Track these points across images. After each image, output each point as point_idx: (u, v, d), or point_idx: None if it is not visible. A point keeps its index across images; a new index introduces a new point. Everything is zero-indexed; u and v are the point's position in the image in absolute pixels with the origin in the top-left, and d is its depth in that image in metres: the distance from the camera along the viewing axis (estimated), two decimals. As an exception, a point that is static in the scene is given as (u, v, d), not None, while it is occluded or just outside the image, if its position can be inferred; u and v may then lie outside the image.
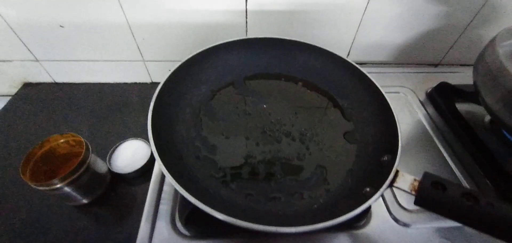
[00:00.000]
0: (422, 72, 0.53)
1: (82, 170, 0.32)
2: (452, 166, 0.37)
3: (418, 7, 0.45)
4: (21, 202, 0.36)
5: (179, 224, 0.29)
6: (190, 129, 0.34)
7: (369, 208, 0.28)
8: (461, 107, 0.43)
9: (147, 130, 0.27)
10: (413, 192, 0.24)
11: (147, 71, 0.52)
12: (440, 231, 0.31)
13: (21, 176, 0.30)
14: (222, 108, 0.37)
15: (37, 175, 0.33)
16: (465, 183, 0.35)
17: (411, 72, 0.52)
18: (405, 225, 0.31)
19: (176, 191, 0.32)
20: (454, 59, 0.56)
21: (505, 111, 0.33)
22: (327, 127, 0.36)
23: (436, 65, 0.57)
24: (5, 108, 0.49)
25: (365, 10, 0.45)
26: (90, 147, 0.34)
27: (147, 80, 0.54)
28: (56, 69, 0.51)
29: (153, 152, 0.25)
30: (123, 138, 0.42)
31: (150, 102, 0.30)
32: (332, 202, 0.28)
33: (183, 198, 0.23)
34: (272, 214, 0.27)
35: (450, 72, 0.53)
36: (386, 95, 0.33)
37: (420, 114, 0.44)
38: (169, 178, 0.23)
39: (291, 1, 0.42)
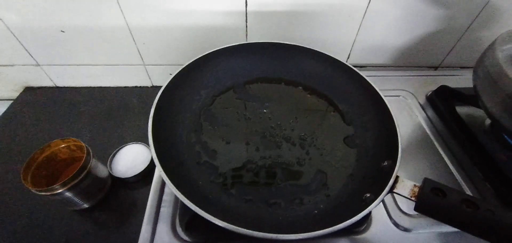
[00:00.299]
0: (422, 75, 0.53)
1: (83, 175, 0.33)
2: (452, 170, 0.37)
3: (418, 9, 0.46)
4: (22, 207, 0.36)
5: (179, 230, 0.29)
6: (191, 134, 0.34)
7: (369, 213, 0.28)
8: (461, 110, 0.43)
9: (147, 134, 0.28)
10: (413, 198, 0.24)
11: (148, 74, 0.52)
12: (441, 236, 0.31)
13: (23, 181, 0.30)
14: (222, 113, 0.37)
15: (38, 180, 0.33)
16: (465, 187, 0.35)
17: (411, 75, 0.52)
18: (406, 230, 0.31)
19: (176, 195, 0.32)
20: (454, 62, 0.56)
21: (505, 115, 0.33)
22: (327, 132, 0.36)
23: (436, 68, 0.57)
24: (6, 112, 0.49)
25: (365, 13, 0.45)
26: (91, 152, 0.34)
27: (147, 83, 0.54)
28: (57, 73, 0.51)
29: (154, 159, 0.25)
30: (123, 142, 0.42)
31: (150, 105, 0.30)
32: (332, 207, 0.28)
33: (183, 203, 0.24)
34: (273, 220, 0.28)
35: (450, 75, 0.53)
36: (386, 100, 0.33)
37: (420, 118, 0.44)
38: (169, 185, 0.23)
39: (291, 2, 0.42)
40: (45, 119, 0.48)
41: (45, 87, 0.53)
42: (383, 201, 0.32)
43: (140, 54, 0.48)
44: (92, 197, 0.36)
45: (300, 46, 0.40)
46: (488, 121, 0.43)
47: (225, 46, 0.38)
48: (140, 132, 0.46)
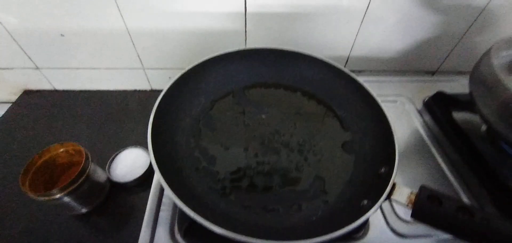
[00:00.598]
0: (419, 81, 0.53)
1: (81, 179, 0.33)
2: (449, 176, 0.38)
3: (415, 15, 0.46)
4: (20, 211, 0.36)
5: (178, 236, 0.29)
6: (190, 140, 0.34)
7: (367, 219, 0.28)
8: (458, 115, 0.44)
9: (146, 138, 0.28)
10: (410, 206, 0.25)
11: (147, 78, 0.52)
12: (439, 242, 0.31)
13: (21, 187, 0.30)
14: (221, 118, 0.37)
15: (36, 185, 0.33)
16: (462, 193, 0.36)
17: (408, 81, 0.52)
18: (403, 236, 0.31)
19: (176, 203, 0.32)
20: (450, 67, 0.57)
21: (500, 122, 0.34)
22: (326, 138, 0.37)
23: (433, 73, 0.58)
24: (5, 115, 0.49)
25: (363, 18, 0.45)
26: (89, 157, 0.34)
27: (146, 87, 0.54)
28: (56, 76, 0.51)
29: (153, 165, 0.25)
30: (122, 145, 0.42)
31: (149, 109, 0.30)
32: (330, 214, 0.29)
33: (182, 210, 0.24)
34: (271, 227, 0.28)
35: (447, 81, 0.54)
36: (383, 106, 0.34)
37: (417, 123, 0.45)
38: (169, 192, 0.24)
39: (290, 3, 0.43)
40: (44, 122, 0.48)
41: (44, 90, 0.53)
42: (380, 207, 0.32)
43: (139, 58, 0.48)
44: (91, 201, 0.36)
45: (298, 52, 0.40)
46: (484, 127, 0.44)
47: (225, 51, 0.39)
48: (138, 136, 0.46)
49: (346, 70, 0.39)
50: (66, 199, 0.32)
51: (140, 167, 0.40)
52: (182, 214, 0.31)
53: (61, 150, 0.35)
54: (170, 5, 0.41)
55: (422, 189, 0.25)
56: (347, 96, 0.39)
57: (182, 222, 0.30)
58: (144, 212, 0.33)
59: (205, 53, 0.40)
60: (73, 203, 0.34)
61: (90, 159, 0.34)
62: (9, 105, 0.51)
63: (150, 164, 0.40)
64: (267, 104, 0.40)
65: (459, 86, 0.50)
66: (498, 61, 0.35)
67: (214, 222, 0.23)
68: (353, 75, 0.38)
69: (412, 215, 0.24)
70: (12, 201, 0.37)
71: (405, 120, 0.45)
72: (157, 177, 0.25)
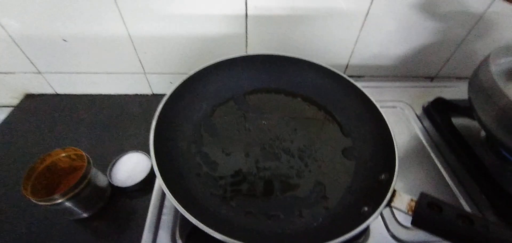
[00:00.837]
0: (419, 86, 0.54)
1: (83, 184, 0.33)
2: (449, 182, 0.38)
3: (415, 21, 0.47)
4: (22, 216, 0.36)
5: (180, 242, 0.29)
6: (191, 145, 0.34)
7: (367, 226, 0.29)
8: (457, 121, 0.44)
9: (147, 142, 0.28)
10: (410, 213, 0.25)
11: (148, 83, 0.53)
12: (438, 249, 0.31)
13: (23, 191, 0.31)
14: (222, 124, 0.37)
15: (38, 190, 0.33)
16: (462, 199, 0.36)
17: (407, 87, 0.53)
18: (404, 242, 0.31)
19: (178, 209, 0.32)
20: (450, 73, 0.57)
21: (499, 129, 0.34)
22: (326, 143, 0.37)
23: (432, 79, 0.58)
24: (7, 119, 0.49)
25: (363, 24, 0.46)
26: (91, 161, 0.34)
27: (148, 91, 0.54)
28: (58, 81, 0.51)
29: (155, 172, 0.26)
30: (123, 150, 0.42)
31: (150, 113, 0.30)
32: (331, 220, 0.29)
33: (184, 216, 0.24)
34: (272, 233, 0.28)
35: (446, 87, 0.54)
36: (383, 111, 0.34)
37: (416, 129, 0.45)
38: (171, 199, 0.24)
39: (290, 5, 0.43)
40: (46, 126, 0.48)
41: (45, 95, 0.53)
42: (381, 213, 0.32)
43: (141, 63, 0.49)
44: (92, 206, 0.36)
45: (298, 58, 0.41)
46: (483, 133, 0.44)
47: (225, 58, 0.39)
48: (139, 140, 0.46)
49: (346, 76, 0.39)
50: (68, 204, 0.33)
51: (141, 172, 0.40)
52: (184, 219, 0.31)
53: (63, 155, 0.36)
54: (171, 10, 0.41)
55: (422, 196, 0.25)
56: (347, 102, 0.39)
57: (183, 227, 0.30)
58: (145, 217, 0.34)
59: (206, 57, 0.40)
60: (75, 208, 0.34)
61: (91, 164, 0.34)
62: (11, 109, 0.51)
63: (151, 169, 0.40)
64: (268, 110, 0.40)
65: (458, 91, 0.50)
66: (496, 68, 0.35)
67: (215, 228, 0.23)
68: (352, 81, 0.38)
69: (412, 223, 0.25)
70: (13, 205, 0.37)
71: (404, 125, 0.46)
72: (159, 183, 0.25)
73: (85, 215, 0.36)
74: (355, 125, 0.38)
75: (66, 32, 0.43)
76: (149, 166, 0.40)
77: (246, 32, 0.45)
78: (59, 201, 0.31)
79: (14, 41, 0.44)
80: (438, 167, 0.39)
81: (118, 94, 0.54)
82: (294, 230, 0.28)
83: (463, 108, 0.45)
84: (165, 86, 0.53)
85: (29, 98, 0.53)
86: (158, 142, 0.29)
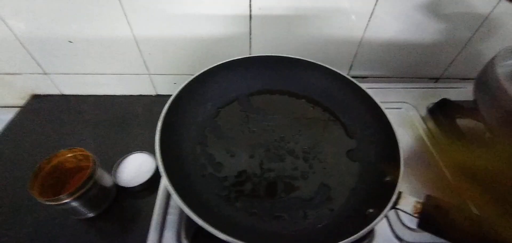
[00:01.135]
0: (423, 88, 0.53)
1: (89, 185, 0.33)
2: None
3: (419, 22, 0.46)
4: (28, 215, 0.37)
5: (185, 242, 0.30)
6: (196, 147, 0.34)
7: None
8: (462, 122, 0.44)
9: (151, 143, 0.28)
10: (416, 215, 0.25)
11: (152, 84, 0.53)
12: (444, 251, 0.31)
13: (30, 191, 0.31)
14: (227, 125, 0.38)
15: (45, 190, 0.34)
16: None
17: (412, 88, 0.53)
18: (409, 244, 0.31)
19: (183, 210, 0.32)
20: (455, 74, 0.57)
21: (504, 130, 0.34)
22: (331, 145, 0.37)
23: (437, 80, 0.58)
24: (14, 119, 0.50)
25: (367, 24, 0.46)
26: (97, 162, 0.35)
27: (152, 92, 0.55)
28: (64, 81, 0.52)
29: (161, 173, 0.26)
30: (128, 150, 0.42)
31: (155, 114, 0.30)
32: (335, 222, 0.29)
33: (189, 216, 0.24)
34: (277, 234, 0.28)
35: (451, 88, 0.54)
36: (387, 113, 0.34)
37: (421, 130, 0.45)
38: (176, 200, 0.24)
39: (295, 5, 0.43)
40: (52, 127, 0.48)
41: (52, 95, 0.54)
42: (385, 215, 0.32)
43: (145, 64, 0.49)
44: (98, 206, 0.36)
45: (302, 59, 0.41)
46: (489, 135, 0.44)
47: (230, 59, 0.39)
48: (144, 141, 0.46)
49: (350, 77, 0.39)
50: (74, 203, 0.33)
51: (146, 172, 0.40)
52: (189, 219, 0.31)
53: (69, 155, 0.36)
54: (176, 11, 0.41)
55: (428, 198, 0.25)
56: (351, 103, 0.39)
57: (189, 227, 0.30)
58: (150, 217, 0.34)
59: (210, 58, 0.40)
60: (81, 208, 0.34)
61: (97, 165, 0.35)
62: (18, 109, 0.52)
63: (156, 169, 0.40)
64: (272, 111, 0.40)
65: (463, 93, 0.50)
66: (502, 70, 0.35)
67: (220, 228, 0.23)
68: (357, 82, 0.38)
69: (419, 225, 0.24)
70: (20, 205, 0.37)
71: (409, 127, 0.45)
72: (165, 184, 0.25)
73: (91, 215, 0.36)
74: (360, 126, 0.38)
75: (72, 33, 0.44)
76: (154, 167, 0.41)
77: (250, 33, 0.45)
78: (66, 201, 0.32)
79: (21, 43, 0.44)
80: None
81: (123, 95, 0.54)
82: (298, 231, 0.28)
83: (468, 109, 0.45)
84: (169, 87, 0.53)
85: (36, 98, 0.53)
86: (164, 143, 0.29)
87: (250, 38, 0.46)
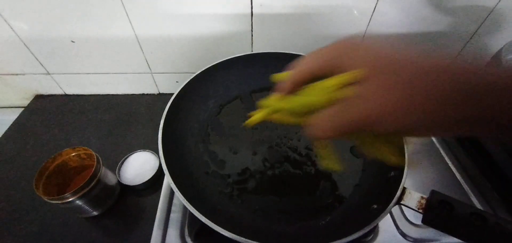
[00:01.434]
0: (428, 82, 0.53)
1: (93, 183, 0.33)
2: (460, 180, 0.37)
3: (423, 16, 0.46)
4: (33, 214, 0.37)
5: (188, 239, 0.30)
6: (199, 144, 0.34)
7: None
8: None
9: (154, 141, 0.28)
10: (421, 211, 0.25)
11: (155, 82, 0.53)
12: (449, 247, 0.31)
13: (35, 190, 0.31)
14: (229, 122, 0.37)
15: (49, 188, 0.34)
16: (473, 197, 0.35)
17: (416, 83, 0.52)
18: (414, 240, 0.31)
19: (186, 207, 0.33)
20: (459, 68, 0.56)
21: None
22: (333, 141, 0.36)
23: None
24: (18, 119, 0.50)
25: (370, 19, 0.45)
26: (101, 161, 0.35)
27: (154, 91, 0.55)
28: (67, 81, 0.52)
29: (164, 170, 0.26)
30: (131, 149, 0.43)
31: (157, 112, 0.31)
32: (340, 218, 0.29)
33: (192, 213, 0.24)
34: (281, 231, 0.28)
35: (456, 82, 0.53)
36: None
37: (426, 126, 0.44)
38: (180, 197, 0.24)
39: (295, 4, 0.42)
40: (55, 126, 0.49)
41: (55, 95, 0.54)
42: (390, 211, 0.32)
43: (147, 63, 0.49)
44: (102, 204, 0.36)
45: (304, 55, 0.40)
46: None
47: (232, 56, 0.39)
48: (147, 139, 0.46)
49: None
50: (79, 202, 0.33)
51: (149, 170, 0.40)
52: (192, 217, 0.31)
53: (73, 154, 0.36)
54: (177, 10, 0.41)
55: (433, 193, 0.25)
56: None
57: (192, 225, 0.30)
58: (154, 214, 0.34)
59: (211, 57, 0.40)
60: (85, 206, 0.34)
61: (101, 163, 0.35)
62: (22, 109, 0.52)
63: (159, 167, 0.40)
64: (274, 108, 0.40)
65: (468, 87, 0.49)
66: (507, 64, 0.34)
67: (223, 225, 0.23)
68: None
69: (423, 221, 0.24)
70: (25, 204, 0.38)
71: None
72: (168, 181, 0.25)
73: (95, 213, 0.36)
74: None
75: (74, 33, 0.44)
76: (157, 165, 0.41)
77: (252, 30, 0.45)
78: (71, 199, 0.32)
79: (24, 43, 0.45)
80: (448, 164, 0.39)
81: (125, 94, 0.54)
82: (302, 228, 0.28)
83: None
84: (171, 86, 0.54)
85: (39, 98, 0.54)
86: (166, 141, 0.29)
87: (252, 35, 0.46)
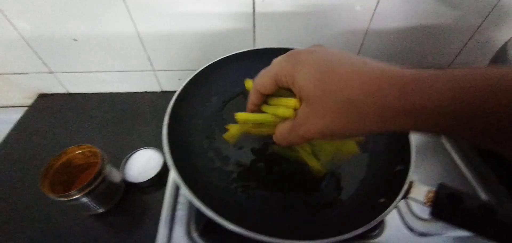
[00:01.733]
0: (432, 77, 0.52)
1: (99, 180, 0.33)
2: (465, 173, 0.37)
3: (427, 9, 0.45)
4: (39, 212, 0.37)
5: (195, 235, 0.30)
6: (203, 141, 0.34)
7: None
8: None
9: (158, 139, 0.28)
10: (429, 204, 0.24)
11: (157, 80, 0.53)
12: (457, 240, 0.30)
13: (41, 188, 0.31)
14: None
15: (55, 186, 0.34)
16: (480, 190, 0.35)
17: (420, 77, 0.52)
18: (421, 234, 0.31)
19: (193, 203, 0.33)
20: (464, 62, 0.55)
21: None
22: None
23: (446, 68, 0.57)
24: (22, 118, 0.50)
25: (373, 14, 0.45)
26: (105, 158, 0.35)
27: (157, 89, 0.55)
28: (70, 80, 0.52)
29: (170, 167, 0.26)
30: (135, 146, 0.43)
31: (160, 110, 0.31)
32: (346, 213, 0.28)
33: (199, 209, 0.24)
34: (286, 225, 0.28)
35: (460, 76, 0.53)
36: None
37: (430, 120, 0.44)
38: (187, 193, 0.24)
39: (298, 2, 0.42)
40: (59, 125, 0.49)
41: (58, 94, 0.54)
42: (397, 204, 0.32)
43: (149, 61, 0.49)
44: (107, 202, 0.37)
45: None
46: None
47: (234, 52, 0.39)
48: (150, 137, 0.46)
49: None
50: (84, 199, 0.33)
51: (153, 168, 0.40)
52: (199, 213, 0.31)
53: (78, 152, 0.36)
54: (179, 7, 0.41)
55: (441, 186, 0.24)
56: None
57: (198, 221, 0.30)
58: (158, 211, 0.34)
59: (213, 53, 0.40)
60: (91, 203, 0.35)
61: (105, 161, 0.35)
62: (25, 108, 0.52)
63: (163, 165, 0.40)
64: (278, 103, 0.40)
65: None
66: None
67: (230, 219, 0.23)
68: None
69: (432, 214, 0.24)
70: (30, 202, 0.38)
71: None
72: (174, 177, 0.25)
73: (101, 210, 0.36)
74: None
75: (76, 31, 0.44)
76: (161, 162, 0.41)
77: (254, 26, 0.45)
78: (76, 196, 0.32)
79: (27, 43, 0.45)
80: (453, 157, 0.39)
81: (128, 92, 0.54)
82: (308, 222, 0.28)
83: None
84: (174, 83, 0.53)
85: (42, 97, 0.54)
86: (171, 137, 0.29)
87: (254, 32, 0.46)
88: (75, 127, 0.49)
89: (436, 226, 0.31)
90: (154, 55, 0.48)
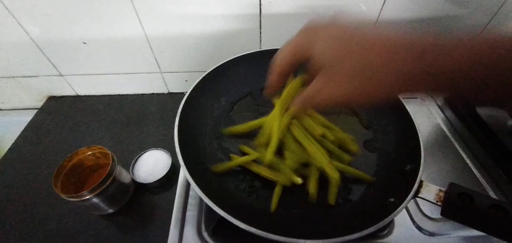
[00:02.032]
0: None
1: (109, 181, 0.34)
2: (475, 172, 0.37)
3: (434, 8, 0.45)
4: (50, 212, 0.38)
5: (205, 234, 0.30)
6: (212, 142, 0.34)
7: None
8: (483, 111, 0.42)
9: (166, 140, 0.29)
10: (439, 203, 0.24)
11: (164, 82, 0.54)
12: (467, 240, 0.30)
13: (54, 188, 0.32)
14: (242, 119, 0.38)
15: (66, 187, 0.35)
16: (489, 190, 0.35)
17: (427, 76, 0.51)
18: (430, 234, 0.31)
19: (201, 199, 0.33)
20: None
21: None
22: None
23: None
24: (32, 121, 0.51)
25: (379, 13, 0.45)
26: (115, 159, 0.35)
27: (164, 90, 0.55)
28: (79, 82, 0.53)
29: (182, 168, 0.26)
30: (143, 147, 0.43)
31: (167, 111, 0.31)
32: (356, 212, 0.29)
33: (209, 208, 0.24)
34: (296, 225, 0.28)
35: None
36: (405, 103, 0.33)
37: (438, 119, 0.44)
38: (199, 193, 0.24)
39: (304, 4, 0.42)
40: (69, 127, 0.50)
41: (67, 96, 0.55)
42: (407, 204, 0.32)
43: (157, 63, 0.49)
44: (117, 202, 0.37)
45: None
46: (510, 122, 0.42)
47: (242, 53, 0.39)
48: (158, 138, 0.47)
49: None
50: (95, 199, 0.34)
51: (162, 168, 0.40)
52: (209, 213, 0.31)
53: (89, 153, 0.37)
54: (186, 9, 0.42)
55: (452, 186, 0.24)
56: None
57: (209, 221, 0.31)
58: (168, 211, 0.34)
59: (220, 55, 0.40)
60: (101, 204, 0.35)
61: (116, 162, 0.35)
62: (35, 111, 0.53)
63: (172, 166, 0.40)
64: (285, 104, 0.40)
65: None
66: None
67: (240, 219, 0.23)
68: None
69: (442, 213, 0.24)
70: (42, 202, 0.39)
71: (425, 116, 0.45)
72: (186, 177, 0.26)
73: (111, 210, 0.37)
74: (375, 117, 0.37)
75: (85, 35, 0.44)
76: (169, 163, 0.41)
77: (260, 28, 0.45)
78: (88, 197, 0.33)
79: (37, 46, 0.46)
80: (462, 157, 0.38)
81: (136, 94, 0.55)
82: (318, 222, 0.28)
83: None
84: (181, 85, 0.54)
85: (52, 100, 0.55)
86: (182, 139, 0.29)
87: (260, 33, 0.46)
88: (84, 128, 0.49)
89: (446, 226, 0.31)
90: (161, 57, 0.49)
